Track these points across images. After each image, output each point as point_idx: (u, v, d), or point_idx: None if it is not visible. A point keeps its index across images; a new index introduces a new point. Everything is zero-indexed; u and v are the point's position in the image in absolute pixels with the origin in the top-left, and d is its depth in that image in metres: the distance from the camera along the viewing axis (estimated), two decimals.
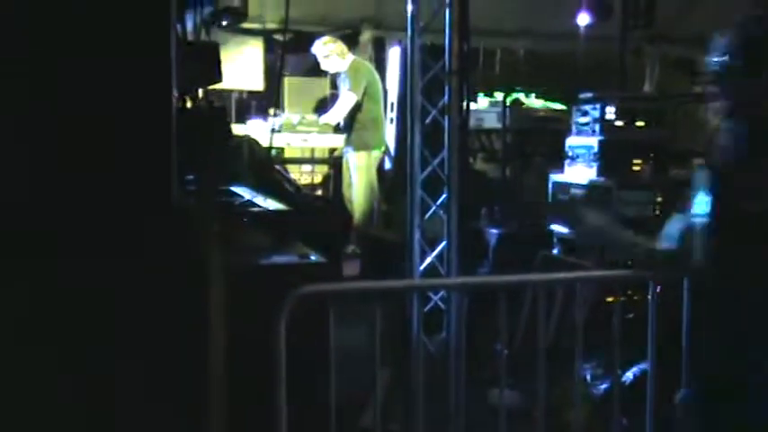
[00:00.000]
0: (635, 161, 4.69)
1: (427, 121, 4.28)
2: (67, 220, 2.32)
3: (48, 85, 2.35)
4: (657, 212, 4.52)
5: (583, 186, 4.78)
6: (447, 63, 4.15)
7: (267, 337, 2.33)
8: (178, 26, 3.00)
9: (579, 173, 4.85)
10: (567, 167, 5.00)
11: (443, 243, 4.21)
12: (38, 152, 2.33)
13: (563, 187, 4.97)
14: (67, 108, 2.35)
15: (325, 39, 6.91)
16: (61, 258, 2.26)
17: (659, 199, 4.53)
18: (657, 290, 2.83)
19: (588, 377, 3.77)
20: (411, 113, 4.28)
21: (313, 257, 2.77)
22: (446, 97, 4.18)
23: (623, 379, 3.35)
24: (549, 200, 5.04)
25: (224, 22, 6.59)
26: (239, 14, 6.49)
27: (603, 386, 3.67)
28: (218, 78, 3.38)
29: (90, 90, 2.38)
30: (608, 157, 4.67)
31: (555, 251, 4.94)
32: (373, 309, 2.61)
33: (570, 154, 4.94)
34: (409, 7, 4.26)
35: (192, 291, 2.35)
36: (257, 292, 2.51)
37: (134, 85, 2.43)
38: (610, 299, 3.79)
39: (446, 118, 4.19)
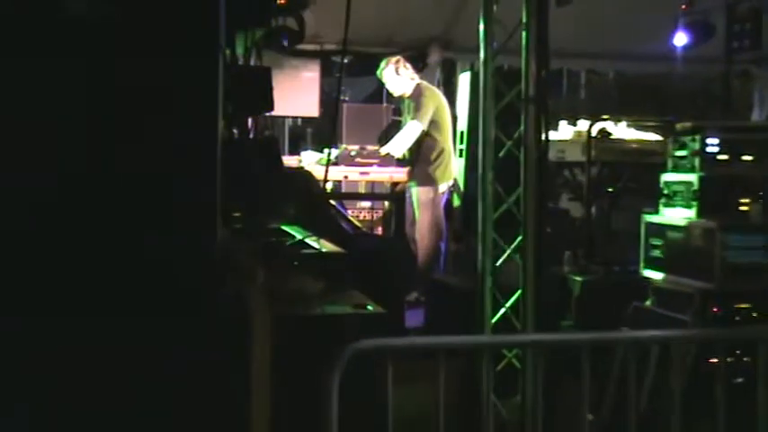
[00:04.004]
0: (742, 200, 4.56)
1: (501, 153, 4.25)
2: (96, 263, 2.35)
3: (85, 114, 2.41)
4: None
5: (681, 229, 4.67)
6: (523, 88, 4.14)
7: (318, 398, 2.32)
8: (227, 50, 3.07)
9: (677, 213, 4.74)
10: (662, 207, 4.89)
11: (519, 292, 4.15)
12: (72, 183, 2.38)
13: (658, 229, 4.86)
14: (102, 133, 2.41)
15: (395, 58, 6.99)
16: (86, 314, 2.29)
17: None
18: None
19: None
20: (483, 145, 4.27)
21: (371, 307, 2.76)
22: (522, 127, 4.15)
23: None
24: (643, 244, 4.93)
25: (278, 44, 6.75)
26: (295, 36, 6.63)
27: None
28: (270, 106, 3.43)
29: (127, 119, 2.43)
30: (710, 195, 4.56)
31: (648, 302, 4.82)
32: (437, 367, 2.57)
33: (666, 192, 4.84)
34: (481, 26, 4.27)
35: (234, 344, 2.36)
36: (307, 347, 2.50)
37: (177, 114, 2.47)
38: (713, 360, 3.67)
39: (522, 150, 4.16)
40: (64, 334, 2.28)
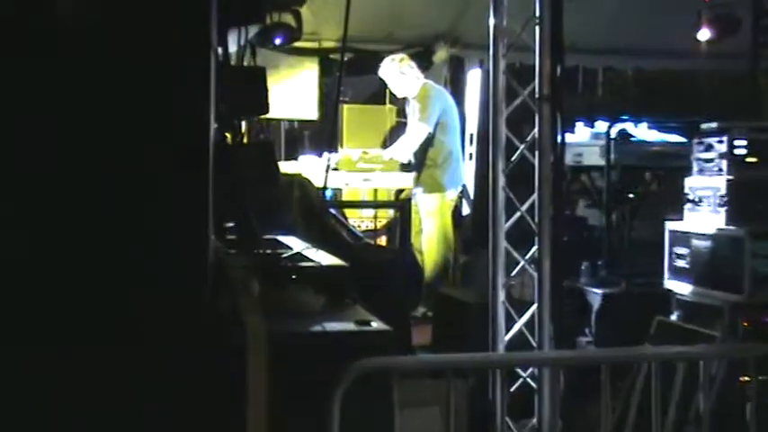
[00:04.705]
0: None
1: (513, 157, 4.25)
2: (87, 275, 2.36)
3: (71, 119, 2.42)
4: None
5: (708, 237, 4.67)
6: (537, 87, 4.14)
7: (319, 422, 2.31)
8: (219, 49, 3.07)
9: (703, 220, 4.74)
10: (687, 213, 4.89)
11: (534, 307, 4.14)
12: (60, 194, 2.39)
13: (683, 238, 4.86)
14: (90, 141, 2.42)
15: (399, 56, 6.99)
16: (73, 325, 2.30)
17: None
18: None
19: None
20: (494, 148, 4.27)
21: (375, 324, 2.75)
22: (536, 128, 4.16)
23: None
24: (667, 254, 4.92)
25: (274, 42, 6.77)
26: (292, 32, 6.65)
27: None
28: (265, 109, 3.44)
29: (114, 123, 2.43)
30: (739, 200, 4.56)
31: (674, 316, 4.82)
32: (447, 387, 2.57)
33: (691, 197, 4.84)
34: (491, 21, 4.27)
35: (228, 363, 2.36)
36: (307, 367, 2.50)
37: (166, 117, 2.47)
38: (744, 378, 3.66)
39: (536, 153, 4.16)
40: (51, 348, 2.30)
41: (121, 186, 2.43)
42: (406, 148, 6.86)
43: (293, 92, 8.03)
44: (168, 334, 2.36)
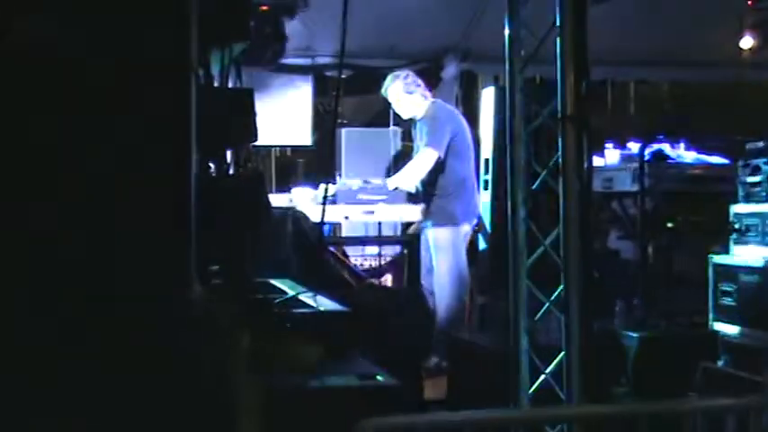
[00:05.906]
0: None
1: (535, 184, 4.26)
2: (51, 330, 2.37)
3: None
4: None
5: (757, 271, 4.67)
6: (559, 105, 4.16)
7: None
8: (200, 70, 3.10)
9: (751, 252, 4.75)
10: (733, 245, 4.90)
11: (561, 354, 4.14)
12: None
13: (729, 272, 4.86)
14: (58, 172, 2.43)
15: (404, 72, 7.03)
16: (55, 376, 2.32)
17: None
18: None
19: None
20: (512, 175, 4.28)
21: (381, 377, 2.76)
22: (560, 152, 4.17)
23: None
24: (711, 291, 4.92)
25: (262, 60, 6.81)
26: (275, 48, 6.68)
27: None
28: (254, 135, 3.47)
29: (80, 154, 2.45)
30: None
31: (721, 362, 4.80)
32: None
33: (737, 226, 4.85)
34: (507, 31, 4.30)
35: (218, 424, 2.36)
36: (305, 428, 2.50)
37: (139, 148, 2.49)
38: None
39: (560, 180, 4.17)
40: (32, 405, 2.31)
41: (88, 228, 2.44)
42: (413, 176, 6.87)
43: (285, 115, 8.06)
44: (148, 394, 2.36)
